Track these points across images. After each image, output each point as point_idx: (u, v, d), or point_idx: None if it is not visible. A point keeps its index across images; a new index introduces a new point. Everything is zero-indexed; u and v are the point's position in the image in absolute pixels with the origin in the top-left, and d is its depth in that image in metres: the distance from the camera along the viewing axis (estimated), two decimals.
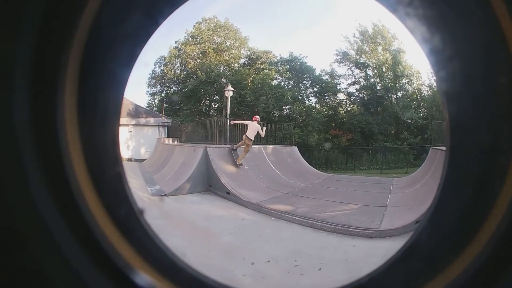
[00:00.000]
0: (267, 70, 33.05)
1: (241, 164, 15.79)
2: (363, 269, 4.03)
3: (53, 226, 1.09)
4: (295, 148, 23.28)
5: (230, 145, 17.09)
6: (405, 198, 13.17)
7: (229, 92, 23.96)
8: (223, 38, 33.82)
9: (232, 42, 34.07)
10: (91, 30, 1.13)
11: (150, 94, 38.34)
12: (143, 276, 1.23)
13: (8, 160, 1.04)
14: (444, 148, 16.47)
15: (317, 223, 9.48)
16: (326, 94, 33.50)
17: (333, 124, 32.16)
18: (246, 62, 33.76)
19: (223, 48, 33.64)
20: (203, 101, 34.03)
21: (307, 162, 22.64)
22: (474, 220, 1.07)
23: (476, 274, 1.03)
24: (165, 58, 36.37)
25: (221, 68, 33.64)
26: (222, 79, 31.87)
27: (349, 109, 34.00)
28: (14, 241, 1.05)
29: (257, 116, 17.31)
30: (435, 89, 32.34)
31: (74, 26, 1.09)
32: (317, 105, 33.57)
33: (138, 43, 1.24)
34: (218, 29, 33.86)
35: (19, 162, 1.05)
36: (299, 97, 32.80)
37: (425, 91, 33.77)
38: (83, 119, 1.17)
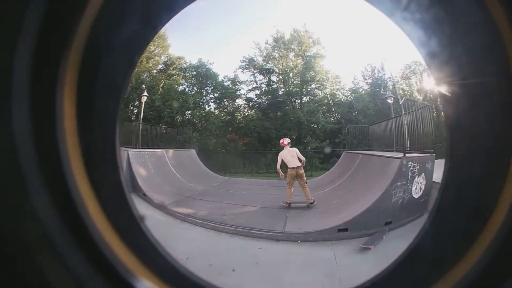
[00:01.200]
0: (176, 76, 32.98)
1: (314, 201, 12.79)
2: (281, 274, 5.08)
3: (54, 233, 1.12)
4: (194, 151, 23.64)
5: (284, 204, 12.93)
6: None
7: (144, 97, 23.77)
8: (155, 46, 33.49)
9: (158, 49, 33.77)
10: (90, 36, 1.15)
11: None
12: (145, 282, 1.27)
13: (8, 168, 1.07)
14: (368, 152, 17.07)
15: (218, 225, 9.73)
16: (225, 100, 33.50)
17: (230, 129, 32.34)
18: (161, 68, 33.49)
19: (151, 55, 33.32)
20: (130, 106, 33.61)
21: (205, 165, 22.88)
22: (476, 222, 1.11)
23: (480, 276, 1.07)
24: None
25: (145, 75, 33.29)
26: (142, 85, 31.59)
27: (246, 114, 34.01)
28: (15, 249, 1.08)
29: (283, 140, 14.20)
30: (363, 92, 33.14)
31: (72, 33, 1.11)
32: (216, 110, 33.59)
33: (136, 50, 1.27)
34: (157, 39, 33.49)
35: (19, 170, 1.07)
36: (200, 103, 32.84)
37: (343, 96, 34.22)
38: (82, 126, 1.20)
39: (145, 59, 32.53)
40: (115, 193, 1.29)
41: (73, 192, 1.15)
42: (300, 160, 13.32)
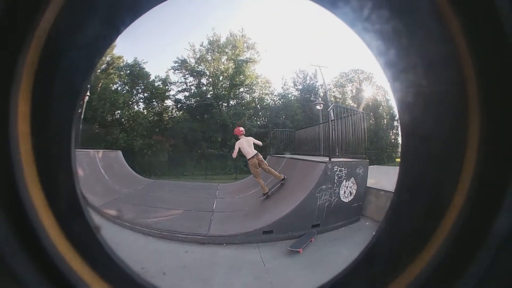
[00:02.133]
0: (113, 75, 32.27)
1: (285, 178, 13.17)
2: (211, 276, 5.43)
3: (4, 244, 1.09)
4: (120, 153, 22.83)
5: (261, 197, 13.10)
6: (236, 204, 13.42)
7: (86, 97, 23.05)
8: None
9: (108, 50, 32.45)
10: (49, 36, 1.13)
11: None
12: None
13: None
14: (294, 156, 16.98)
15: (144, 229, 9.55)
16: (154, 100, 32.80)
17: (157, 130, 31.69)
18: (104, 68, 32.50)
19: None
20: None
21: (131, 167, 22.38)
22: (430, 222, 1.15)
23: (435, 272, 1.12)
24: None
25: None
26: (88, 86, 30.37)
27: (174, 115, 33.61)
28: None
29: (239, 129, 14.09)
30: (291, 98, 33.71)
31: (30, 32, 1.09)
32: (144, 111, 32.77)
33: (97, 51, 1.24)
34: None
35: None
36: (130, 102, 32.02)
37: (271, 100, 34.54)
38: (36, 131, 1.17)
39: None
40: (69, 201, 1.27)
41: (25, 199, 1.14)
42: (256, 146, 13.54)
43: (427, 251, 1.16)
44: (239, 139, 13.74)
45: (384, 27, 1.16)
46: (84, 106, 23.36)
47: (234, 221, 10.87)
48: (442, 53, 1.13)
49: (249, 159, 13.29)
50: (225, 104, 33.79)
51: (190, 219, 11.12)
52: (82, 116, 23.13)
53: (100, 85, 31.07)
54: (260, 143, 13.83)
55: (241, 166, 28.63)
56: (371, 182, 11.94)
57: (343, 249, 8.83)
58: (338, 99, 33.67)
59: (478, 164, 1.10)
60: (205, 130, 31.67)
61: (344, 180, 11.24)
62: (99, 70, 31.37)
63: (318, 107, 26.47)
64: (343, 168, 11.20)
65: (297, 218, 10.03)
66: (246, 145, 13.43)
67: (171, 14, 35.56)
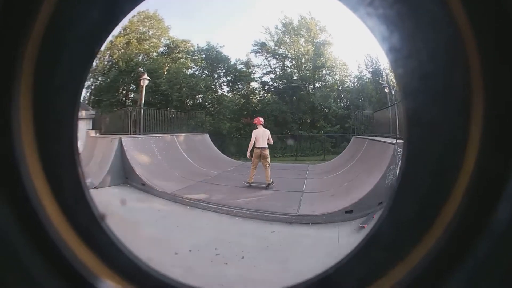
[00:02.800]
0: (184, 59, 32.68)
1: (273, 182, 13.39)
2: (289, 258, 5.01)
3: (10, 234, 1.10)
4: (207, 136, 23.44)
5: (245, 183, 13.81)
6: (324, 184, 13.49)
7: (145, 81, 23.48)
8: (147, 28, 32.98)
9: (155, 31, 33.27)
10: (48, 26, 1.12)
11: (85, 87, 36.19)
12: (107, 282, 1.24)
13: None
14: (375, 137, 16.99)
15: (232, 209, 9.70)
16: (239, 83, 33.11)
17: (245, 113, 31.81)
18: (164, 51, 33.06)
19: (145, 37, 32.80)
20: (121, 90, 33.15)
21: (219, 150, 22.84)
22: (432, 209, 1.13)
23: (436, 260, 1.10)
24: (101, 52, 34.46)
25: (140, 57, 32.82)
26: (139, 68, 31.15)
27: (262, 97, 33.72)
28: None
29: (260, 119, 14.56)
30: (366, 80, 32.92)
31: (30, 23, 1.09)
32: (229, 94, 33.18)
33: (97, 40, 1.23)
34: (146, 20, 33.01)
35: None
36: (212, 86, 32.40)
37: (350, 83, 34.00)
38: (39, 121, 1.17)
39: (135, 41, 32.24)
40: (74, 190, 1.27)
41: (29, 189, 1.15)
42: (268, 142, 13.85)
43: (428, 239, 1.14)
44: (256, 128, 14.20)
45: (387, 12, 1.13)
46: (144, 91, 23.86)
47: (321, 201, 10.91)
48: (446, 38, 1.08)
49: (256, 147, 13.71)
50: (311, 86, 33.75)
51: (281, 199, 11.32)
52: (143, 101, 23.57)
53: (166, 69, 31.52)
54: (272, 141, 14.17)
55: (328, 147, 29.13)
56: None
57: None
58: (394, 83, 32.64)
59: (480, 151, 1.07)
60: (294, 112, 31.88)
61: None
62: (155, 53, 32.08)
63: (386, 89, 25.96)
64: (401, 149, 11.05)
65: (372, 197, 10.11)
66: (261, 135, 13.80)
67: None
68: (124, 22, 33.06)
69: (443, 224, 1.11)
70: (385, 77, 29.78)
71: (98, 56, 33.84)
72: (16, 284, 1.11)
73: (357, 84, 33.79)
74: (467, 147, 1.08)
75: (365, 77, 33.65)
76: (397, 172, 1.35)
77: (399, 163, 1.36)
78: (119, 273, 1.28)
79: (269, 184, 13.25)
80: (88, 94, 34.02)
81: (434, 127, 1.13)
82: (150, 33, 32.94)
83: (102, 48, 33.37)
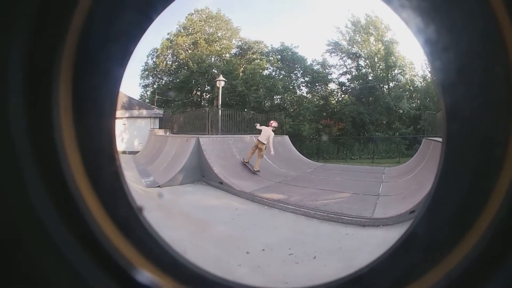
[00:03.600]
0: (258, 60, 32.73)
1: (259, 171, 15.33)
2: (357, 258, 4.88)
3: (52, 227, 1.12)
4: (287, 137, 23.43)
5: (241, 160, 16.30)
6: (398, 187, 13.27)
7: (221, 83, 23.77)
8: (214, 29, 33.33)
9: (224, 32, 33.65)
10: (84, 27, 1.13)
11: (142, 86, 37.44)
12: (145, 273, 1.25)
13: (5, 162, 1.07)
14: (437, 138, 16.75)
15: (310, 211, 9.65)
16: (317, 84, 33.38)
17: (324, 114, 31.99)
18: (237, 53, 33.42)
19: (215, 38, 33.14)
20: (195, 91, 33.63)
21: (298, 151, 22.78)
22: (471, 210, 1.08)
23: (474, 263, 1.05)
24: (157, 50, 35.54)
25: (212, 59, 33.30)
26: (213, 70, 31.54)
27: (340, 98, 33.88)
28: (13, 243, 1.09)
29: (273, 123, 16.62)
30: (428, 80, 32.60)
31: (66, 24, 1.09)
32: (308, 95, 33.52)
33: (132, 40, 1.24)
34: (210, 20, 33.32)
35: (16, 164, 1.08)
36: (290, 87, 32.72)
37: (418, 82, 33.98)
38: (78, 118, 1.19)
39: (203, 42, 33.04)
40: (113, 184, 1.28)
41: (70, 185, 1.15)
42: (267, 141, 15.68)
43: (467, 241, 1.07)
44: (267, 125, 16.37)
45: (422, 3, 1.08)
46: (220, 92, 24.23)
47: (393, 204, 10.79)
48: (485, 29, 1.02)
49: (258, 139, 15.90)
50: (386, 86, 34.05)
51: (357, 202, 11.09)
52: (220, 101, 24.00)
53: (241, 70, 31.95)
54: (271, 145, 15.70)
55: (403, 149, 29.24)
56: None
57: None
58: None
59: None
60: (371, 113, 32.08)
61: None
62: (228, 54, 32.59)
63: None
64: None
65: None
66: (264, 133, 15.81)
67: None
68: (181, 20, 33.95)
69: (483, 226, 1.06)
70: None
71: (156, 54, 34.66)
72: (58, 275, 1.13)
73: (423, 84, 33.72)
74: (509, 143, 1.03)
75: (427, 77, 33.50)
76: (436, 170, 1.18)
77: (438, 161, 1.15)
78: (156, 265, 1.30)
79: (255, 171, 15.16)
80: (149, 93, 34.88)
81: (474, 123, 1.07)
82: (219, 34, 33.57)
83: (159, 46, 34.09)
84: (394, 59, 32.86)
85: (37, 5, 1.04)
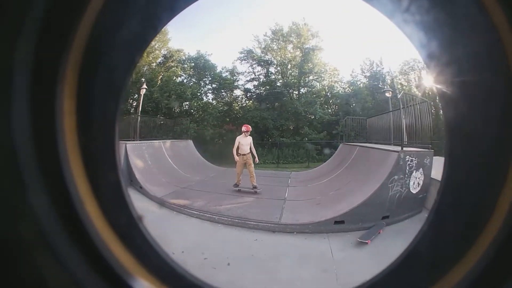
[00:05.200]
0: (175, 68, 33.03)
1: (256, 187, 13.64)
2: (276, 268, 5.10)
3: (52, 232, 1.12)
4: (191, 142, 23.71)
5: (234, 188, 14.06)
6: (309, 192, 13.32)
7: (143, 90, 24.21)
8: (155, 42, 33.40)
9: (159, 44, 33.67)
10: (90, 36, 1.15)
11: None
12: (143, 282, 1.27)
13: (7, 167, 1.07)
14: (358, 144, 17.17)
15: (214, 216, 9.79)
16: (223, 90, 33.70)
17: (228, 119, 32.38)
18: (161, 61, 33.45)
19: (152, 50, 33.20)
20: (128, 100, 33.54)
21: (202, 156, 23.00)
22: (475, 224, 1.11)
23: (479, 278, 1.06)
24: None
25: (145, 68, 33.16)
26: (142, 78, 31.51)
27: (244, 104, 34.28)
28: (14, 249, 1.09)
29: (245, 127, 14.39)
30: (361, 85, 33.56)
31: (73, 33, 1.11)
32: (213, 101, 33.79)
33: (137, 50, 1.27)
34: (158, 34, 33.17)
35: (18, 170, 1.07)
36: (198, 94, 32.98)
37: (341, 88, 34.58)
38: (81, 126, 1.20)
39: (145, 54, 32.34)
40: (113, 192, 1.30)
41: (72, 191, 1.16)
42: (251, 150, 14.07)
43: (471, 256, 1.11)
44: (240, 134, 14.41)
45: (424, 18, 1.13)
46: (142, 99, 24.68)
47: (305, 210, 10.79)
48: (487, 45, 1.06)
49: (240, 154, 13.98)
50: (296, 92, 34.19)
51: (262, 207, 11.29)
52: (140, 108, 24.19)
53: (160, 78, 31.92)
54: (254, 151, 14.29)
55: (313, 154, 29.19)
56: (433, 173, 11.68)
57: (409, 242, 8.66)
58: (404, 87, 32.91)
59: None
60: (276, 119, 32.19)
61: (414, 171, 11.06)
62: (154, 64, 32.54)
63: (387, 94, 25.96)
64: (413, 158, 11.03)
65: (369, 208, 9.89)
66: (244, 143, 14.05)
67: (231, 6, 36.17)
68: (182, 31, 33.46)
69: (487, 240, 1.08)
70: (390, 81, 30.85)
71: None
72: (56, 280, 1.13)
73: (348, 90, 34.21)
74: (511, 159, 1.06)
75: (359, 82, 34.17)
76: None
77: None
78: (154, 274, 1.31)
79: (254, 187, 13.61)
80: None
81: (477, 137, 1.11)
82: (156, 46, 33.26)
83: None
84: (311, 66, 33.34)
85: (44, 10, 1.06)
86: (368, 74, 34.12)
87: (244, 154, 13.87)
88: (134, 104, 32.17)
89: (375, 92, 32.24)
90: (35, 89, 1.09)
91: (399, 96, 15.32)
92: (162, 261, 1.35)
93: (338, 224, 9.49)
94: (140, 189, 13.04)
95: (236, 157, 13.93)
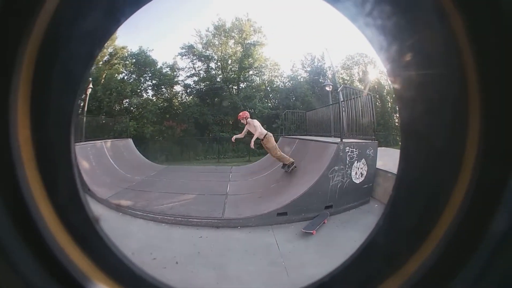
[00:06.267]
0: (117, 65, 32.34)
1: (293, 163, 12.85)
2: (227, 265, 5.30)
3: (4, 235, 1.09)
4: (130, 141, 23.31)
5: (284, 170, 13.12)
6: (250, 186, 13.40)
7: (88, 90, 23.75)
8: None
9: (108, 42, 32.86)
10: (48, 27, 1.11)
11: None
12: (100, 286, 1.24)
13: None
14: (297, 137, 17.22)
15: (157, 216, 9.71)
16: (163, 86, 33.26)
17: (168, 116, 32.04)
18: (107, 59, 32.69)
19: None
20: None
21: (142, 154, 22.70)
22: (428, 219, 1.14)
23: (431, 271, 1.11)
24: None
25: (93, 68, 32.20)
26: (89, 78, 30.69)
27: (184, 100, 34.02)
28: None
29: (243, 114, 14.05)
30: (301, 80, 34.00)
31: (30, 23, 1.08)
32: (153, 98, 33.23)
33: (97, 42, 1.23)
34: None
35: None
36: (138, 90, 32.36)
37: (281, 82, 34.96)
38: (36, 121, 1.16)
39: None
40: (69, 193, 1.27)
41: (25, 191, 1.14)
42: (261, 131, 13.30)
43: (423, 250, 1.16)
44: (245, 123, 13.91)
45: (386, 23, 1.16)
46: (87, 98, 24.13)
47: (248, 203, 11.03)
48: (444, 50, 1.11)
49: (254, 140, 13.26)
50: (236, 87, 34.22)
51: (204, 203, 11.23)
52: (86, 108, 23.74)
53: (104, 76, 31.30)
54: (255, 136, 13.35)
55: (254, 148, 28.96)
56: (379, 163, 11.96)
57: (355, 231, 8.76)
58: (346, 81, 33.76)
59: (477, 161, 1.09)
60: (216, 114, 32.19)
61: (356, 161, 11.25)
62: (101, 62, 31.59)
63: (327, 88, 26.56)
64: (354, 149, 11.19)
65: (311, 199, 10.02)
66: (253, 129, 13.41)
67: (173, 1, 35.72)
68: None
69: (439, 234, 1.14)
70: (330, 76, 31.25)
71: None
72: (9, 286, 1.12)
73: (289, 84, 34.56)
74: (464, 156, 1.11)
75: (299, 77, 34.60)
76: (395, 180, 1.36)
77: (397, 172, 1.27)
78: (112, 276, 1.30)
79: (290, 164, 12.90)
80: None
81: (430, 137, 1.17)
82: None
83: None
84: (251, 61, 33.50)
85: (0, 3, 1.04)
86: (308, 69, 34.58)
87: (260, 139, 13.14)
88: (81, 104, 31.49)
89: (315, 87, 32.65)
90: None
91: (339, 89, 15.42)
92: (120, 263, 1.34)
93: (281, 215, 9.63)
94: (88, 191, 12.33)
95: (252, 145, 13.34)
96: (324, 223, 9.42)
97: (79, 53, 1.20)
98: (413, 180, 1.21)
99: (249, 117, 13.87)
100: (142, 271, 1.37)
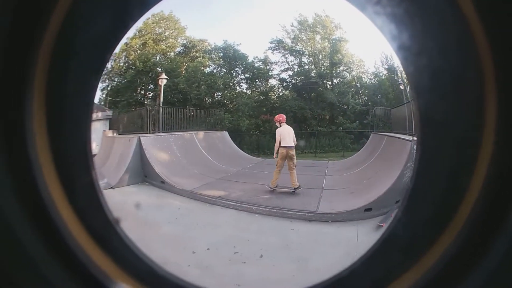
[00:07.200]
0: (201, 58, 32.81)
1: (299, 187, 11.79)
2: (311, 258, 5.08)
3: (25, 239, 1.09)
4: (226, 133, 23.64)
5: (268, 188, 12.28)
6: (344, 181, 13.29)
7: (163, 80, 23.97)
8: (163, 29, 33.13)
9: (171, 31, 33.48)
10: (59, 34, 1.12)
11: (100, 89, 36.27)
12: (122, 286, 1.24)
13: None
14: (392, 134, 16.81)
15: (251, 206, 9.73)
16: (257, 80, 33.49)
17: (264, 109, 32.10)
18: (181, 51, 33.27)
19: (162, 38, 32.93)
20: (139, 90, 33.28)
21: (238, 147, 22.96)
22: (447, 210, 1.11)
23: (451, 262, 1.08)
24: (116, 54, 34.73)
25: (158, 58, 33.00)
26: (157, 68, 31.34)
27: (281, 94, 34.09)
28: None
29: (282, 115, 12.89)
30: (383, 77, 33.21)
31: (41, 31, 1.08)
32: (248, 91, 33.57)
33: (108, 47, 1.23)
34: (161, 21, 33.15)
35: None
36: (230, 84, 32.85)
37: (367, 79, 34.36)
38: (52, 127, 1.16)
39: (151, 42, 32.70)
40: (88, 196, 1.27)
41: (45, 196, 1.14)
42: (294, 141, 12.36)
43: (442, 241, 1.11)
44: (278, 126, 12.64)
45: (395, 10, 1.12)
46: (162, 90, 24.43)
47: (341, 198, 10.99)
48: (457, 35, 1.06)
49: (281, 146, 12.14)
50: (329, 83, 34.14)
51: (300, 196, 11.28)
52: (161, 100, 24.08)
53: (184, 68, 31.76)
54: (296, 142, 12.55)
55: (347, 144, 29.43)
56: None
57: None
58: None
59: (495, 150, 1.05)
60: (313, 108, 32.12)
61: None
62: (172, 54, 32.64)
63: (401, 86, 26.59)
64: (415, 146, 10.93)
65: (391, 195, 9.94)
66: (287, 134, 12.28)
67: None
68: (139, 24, 33.45)
69: (458, 225, 1.09)
70: (400, 74, 30.27)
71: (113, 58, 34.01)
72: (30, 287, 1.11)
73: (374, 81, 34.06)
74: (481, 145, 1.06)
75: (381, 74, 33.87)
76: (412, 172, 1.25)
77: (413, 163, 1.25)
78: (134, 276, 1.28)
79: (296, 188, 11.77)
80: (104, 95, 34.36)
81: (447, 126, 1.11)
82: (166, 34, 33.26)
83: (117, 50, 33.49)
84: (340, 57, 33.14)
85: (12, 8, 1.04)
86: (386, 66, 33.93)
87: (285, 147, 11.97)
88: (150, 95, 32.28)
89: (394, 84, 31.96)
90: (2, 90, 1.08)
91: (408, 89, 15.46)
92: (141, 263, 1.33)
93: (367, 211, 9.55)
94: (161, 184, 13.00)
95: (275, 155, 12.40)
96: (391, 216, 9.17)
97: (91, 58, 1.20)
98: (430, 170, 1.15)
99: (283, 121, 12.69)
100: (162, 270, 1.34)
